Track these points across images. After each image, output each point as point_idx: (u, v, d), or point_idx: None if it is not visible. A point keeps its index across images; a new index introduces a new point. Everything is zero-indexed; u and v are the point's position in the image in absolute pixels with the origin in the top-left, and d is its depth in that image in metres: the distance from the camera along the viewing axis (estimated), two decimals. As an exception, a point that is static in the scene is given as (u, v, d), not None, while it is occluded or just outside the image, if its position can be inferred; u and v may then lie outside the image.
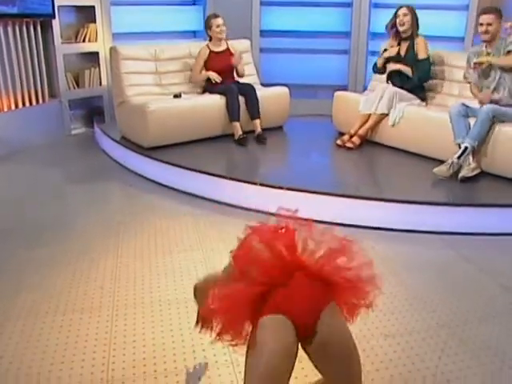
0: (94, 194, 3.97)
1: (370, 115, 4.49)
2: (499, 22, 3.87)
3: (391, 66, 4.64)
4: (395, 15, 4.54)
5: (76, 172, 4.43)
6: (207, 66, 4.81)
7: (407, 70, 4.54)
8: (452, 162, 3.62)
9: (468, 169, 3.61)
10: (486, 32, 3.85)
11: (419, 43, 4.52)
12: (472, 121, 3.73)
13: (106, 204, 3.83)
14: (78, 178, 4.30)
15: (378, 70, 4.81)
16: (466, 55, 4.18)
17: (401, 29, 4.52)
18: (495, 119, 3.66)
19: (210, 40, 4.89)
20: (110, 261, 2.81)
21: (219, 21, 4.78)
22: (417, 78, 4.51)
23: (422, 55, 4.50)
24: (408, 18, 4.47)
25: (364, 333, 2.18)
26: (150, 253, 2.90)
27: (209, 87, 4.81)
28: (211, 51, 4.83)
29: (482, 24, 3.87)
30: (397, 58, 4.62)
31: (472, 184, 3.60)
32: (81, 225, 3.33)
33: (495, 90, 3.90)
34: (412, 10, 4.49)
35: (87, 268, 2.73)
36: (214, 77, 4.71)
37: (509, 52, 3.81)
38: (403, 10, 4.48)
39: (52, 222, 3.37)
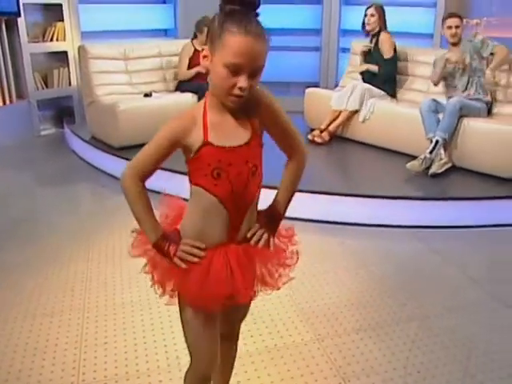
0: (64, 195, 3.91)
1: (340, 112, 4.52)
2: (462, 25, 4.08)
3: (359, 68, 4.74)
4: (365, 13, 4.64)
5: (46, 173, 4.36)
6: (189, 63, 4.76)
7: (374, 68, 4.63)
8: (424, 157, 3.67)
9: (438, 165, 3.67)
10: (456, 34, 4.01)
11: (383, 41, 4.60)
12: (442, 116, 3.79)
13: (77, 206, 3.78)
14: (47, 179, 4.23)
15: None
16: (433, 59, 4.28)
17: (367, 28, 4.64)
18: (462, 111, 3.73)
19: (195, 38, 4.82)
20: (81, 263, 2.77)
21: None
22: (382, 78, 4.60)
23: (386, 55, 4.59)
24: (374, 19, 4.59)
25: (336, 328, 2.21)
26: (121, 254, 2.87)
27: (181, 85, 4.77)
28: (196, 49, 4.77)
29: (450, 27, 4.03)
30: (368, 57, 4.73)
31: (443, 178, 3.66)
32: (51, 227, 3.28)
33: (466, 89, 4.03)
34: (379, 10, 4.59)
35: (58, 270, 2.69)
36: (202, 68, 4.64)
37: (491, 54, 3.95)
38: (370, 11, 4.60)
39: (22, 225, 3.30)
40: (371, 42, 4.72)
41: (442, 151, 3.70)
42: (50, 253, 2.90)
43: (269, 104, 1.28)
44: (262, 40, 1.16)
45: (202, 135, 1.23)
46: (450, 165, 3.74)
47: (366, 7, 4.66)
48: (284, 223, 1.40)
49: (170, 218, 1.41)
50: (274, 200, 1.39)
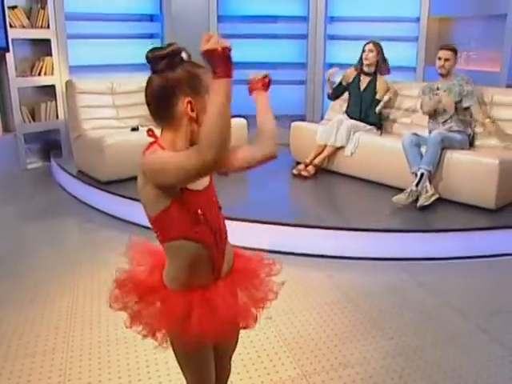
0: (50, 229, 3.88)
1: (325, 145, 4.58)
2: (455, 58, 4.13)
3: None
4: (363, 49, 4.70)
5: (32, 207, 4.33)
6: None
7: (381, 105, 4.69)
8: (411, 190, 3.70)
9: (425, 197, 3.69)
10: (443, 66, 4.11)
11: (380, 84, 4.68)
12: (424, 150, 3.86)
13: (63, 240, 3.74)
14: (33, 213, 4.20)
15: (332, 94, 4.97)
16: (420, 88, 4.40)
17: (365, 63, 4.68)
18: (444, 143, 3.80)
19: None
20: (66, 300, 2.73)
21: None
22: (373, 113, 4.69)
23: (379, 95, 4.67)
24: (373, 55, 4.64)
25: (323, 363, 2.19)
26: (107, 290, 2.82)
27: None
28: None
29: (440, 58, 4.13)
30: (356, 91, 4.77)
31: (429, 210, 3.68)
32: (36, 262, 3.24)
33: (445, 121, 4.13)
34: (378, 47, 4.65)
35: (42, 308, 2.65)
36: None
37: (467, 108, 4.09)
38: (369, 46, 4.65)
39: (6, 260, 3.26)
40: (358, 75, 4.75)
41: (428, 184, 3.74)
42: (34, 289, 2.86)
43: None
44: None
45: None
46: (437, 196, 3.75)
47: (364, 43, 4.71)
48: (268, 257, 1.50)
49: (146, 265, 1.49)
50: None
